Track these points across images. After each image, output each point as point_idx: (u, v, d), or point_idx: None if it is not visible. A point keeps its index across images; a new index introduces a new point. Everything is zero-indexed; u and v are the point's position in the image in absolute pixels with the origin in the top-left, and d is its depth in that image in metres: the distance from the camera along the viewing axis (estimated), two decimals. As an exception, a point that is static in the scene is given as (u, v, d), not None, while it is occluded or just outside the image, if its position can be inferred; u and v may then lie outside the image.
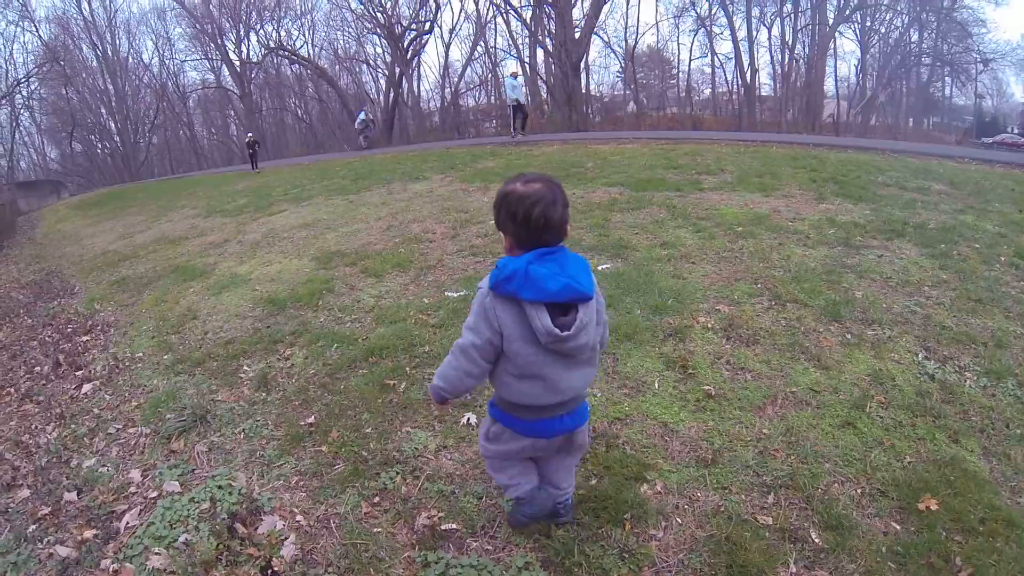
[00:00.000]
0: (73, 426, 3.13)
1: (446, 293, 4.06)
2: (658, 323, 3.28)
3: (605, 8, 26.47)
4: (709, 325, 3.26)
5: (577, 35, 23.99)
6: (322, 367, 3.25)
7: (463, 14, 33.74)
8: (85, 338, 4.75)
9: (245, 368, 3.42)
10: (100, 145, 37.22)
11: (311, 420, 2.72)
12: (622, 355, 2.99)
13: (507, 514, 1.92)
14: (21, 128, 34.16)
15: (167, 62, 36.72)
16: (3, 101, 27.75)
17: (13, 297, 7.17)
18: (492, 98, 32.52)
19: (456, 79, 32.81)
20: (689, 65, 36.03)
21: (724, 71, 34.67)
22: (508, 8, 27.86)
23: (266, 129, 36.25)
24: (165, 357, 3.85)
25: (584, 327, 1.41)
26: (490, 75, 32.60)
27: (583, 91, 23.85)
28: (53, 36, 32.67)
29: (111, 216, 13.65)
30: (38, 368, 4.37)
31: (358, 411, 2.74)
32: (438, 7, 28.58)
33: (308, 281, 4.75)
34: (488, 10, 30.08)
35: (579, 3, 25.88)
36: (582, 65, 24.38)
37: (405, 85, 30.29)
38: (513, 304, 1.41)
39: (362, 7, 29.20)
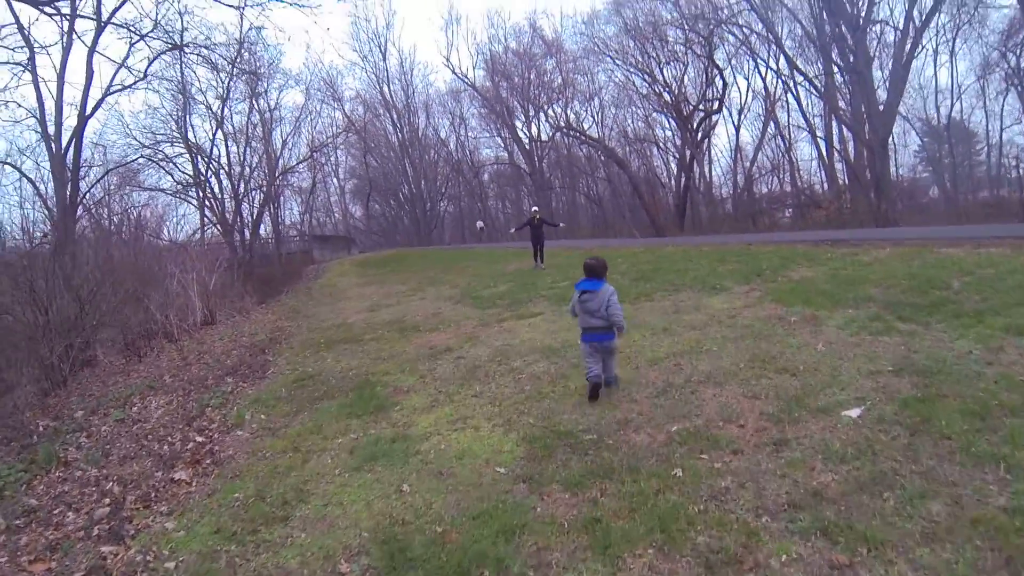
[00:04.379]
0: None
1: None
2: None
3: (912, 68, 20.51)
4: None
5: (881, 108, 18.94)
6: None
7: (751, 92, 30.26)
8: (180, 474, 3.46)
9: None
10: (397, 209, 43.69)
11: None
12: None
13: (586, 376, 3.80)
14: (328, 188, 41.12)
15: (462, 139, 40.72)
16: (304, 164, 31.83)
17: (222, 363, 6.80)
18: (786, 185, 28.16)
19: (748, 163, 28.98)
20: (1001, 135, 26.76)
21: (1050, 136, 24.61)
22: (796, 81, 23.94)
23: (557, 208, 36.69)
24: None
25: (588, 300, 3.68)
26: (783, 159, 28.31)
27: (890, 174, 18.36)
28: (356, 112, 37.72)
29: (380, 279, 14.49)
30: (107, 499, 3.22)
31: None
32: (725, 84, 25.56)
33: (487, 512, 2.57)
34: (776, 86, 26.39)
35: (877, 65, 20.84)
36: (889, 142, 19.02)
37: (696, 169, 27.62)
38: (576, 291, 3.79)
39: (647, 86, 28.05)
